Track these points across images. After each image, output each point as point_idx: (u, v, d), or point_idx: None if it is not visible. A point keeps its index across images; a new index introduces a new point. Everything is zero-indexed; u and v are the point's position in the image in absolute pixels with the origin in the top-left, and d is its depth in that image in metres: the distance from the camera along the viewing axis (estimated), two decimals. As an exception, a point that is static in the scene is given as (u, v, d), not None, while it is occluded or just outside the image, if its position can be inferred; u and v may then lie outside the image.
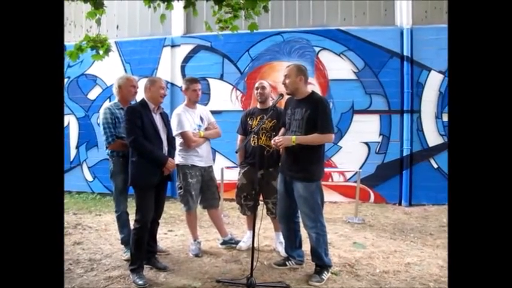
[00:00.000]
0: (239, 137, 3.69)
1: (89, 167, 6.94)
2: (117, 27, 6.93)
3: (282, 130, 3.09)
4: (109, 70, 6.71)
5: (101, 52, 3.40)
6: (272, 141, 2.92)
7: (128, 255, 3.20)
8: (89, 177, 6.95)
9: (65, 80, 7.05)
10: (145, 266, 2.98)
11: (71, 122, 7.06)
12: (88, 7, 3.22)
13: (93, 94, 6.93)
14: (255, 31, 3.49)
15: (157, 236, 3.36)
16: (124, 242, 3.35)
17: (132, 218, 3.04)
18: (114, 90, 3.40)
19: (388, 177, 5.84)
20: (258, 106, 3.61)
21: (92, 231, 4.22)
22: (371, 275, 3.00)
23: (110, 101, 6.91)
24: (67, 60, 6.80)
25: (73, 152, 7.06)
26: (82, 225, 4.52)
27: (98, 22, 3.24)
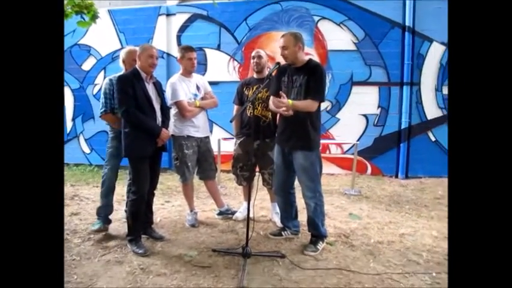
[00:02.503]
0: (235, 107, 3.63)
1: (85, 139, 6.91)
2: (110, -6, 6.70)
3: (271, 98, 3.00)
4: (103, 40, 6.56)
5: (87, 19, 3.27)
6: (271, 103, 2.81)
7: (97, 227, 3.20)
8: (86, 149, 6.93)
9: (59, 50, 6.89)
10: (142, 235, 2.99)
11: (65, 94, 6.96)
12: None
13: (87, 65, 6.79)
14: (252, -1, 3.36)
15: (154, 207, 3.38)
16: (97, 212, 3.30)
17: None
18: (120, 63, 3.30)
19: (385, 150, 5.83)
20: (255, 76, 3.53)
21: (89, 202, 4.23)
22: (365, 245, 3.03)
23: (104, 72, 6.81)
24: None
25: (69, 125, 7.00)
26: (79, 197, 4.53)
27: None
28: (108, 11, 6.49)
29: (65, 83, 6.88)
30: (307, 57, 2.91)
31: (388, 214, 3.89)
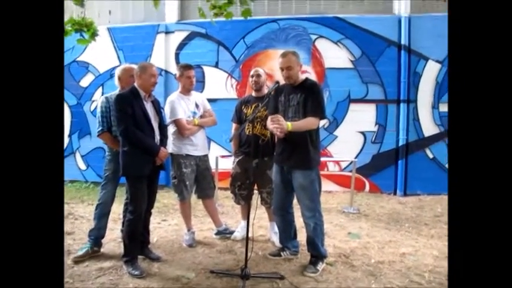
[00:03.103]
0: (233, 125, 3.62)
1: (82, 156, 6.84)
2: (110, 12, 6.76)
3: (269, 118, 2.98)
4: (101, 57, 6.58)
5: (86, 36, 3.28)
6: (270, 125, 2.75)
7: (82, 252, 3.06)
8: (82, 166, 6.86)
9: (57, 67, 6.91)
10: (138, 256, 2.93)
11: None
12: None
13: (85, 81, 6.78)
14: (250, 18, 3.39)
15: (151, 226, 3.31)
16: (89, 233, 3.19)
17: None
18: (116, 81, 3.28)
19: (383, 167, 5.82)
20: (253, 94, 3.53)
21: (84, 221, 4.16)
22: (366, 265, 2.98)
23: (102, 88, 6.81)
24: None
25: (66, 141, 6.94)
26: (74, 215, 4.45)
27: (81, 4, 3.11)
28: (108, 28, 6.54)
29: (62, 100, 6.87)
30: (303, 76, 2.92)
31: (387, 233, 3.85)
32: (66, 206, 5.00)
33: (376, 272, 2.86)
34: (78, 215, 4.46)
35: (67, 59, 6.80)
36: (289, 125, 2.64)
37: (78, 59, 6.78)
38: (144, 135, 2.80)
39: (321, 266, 2.87)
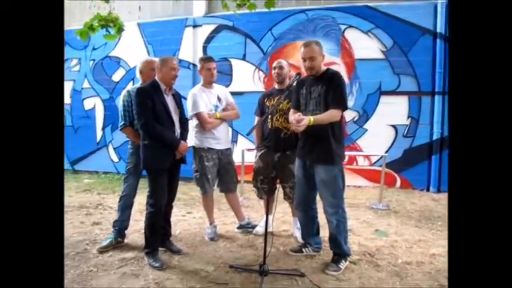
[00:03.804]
0: (256, 118, 3.57)
1: (114, 148, 7.08)
2: (139, 8, 6.88)
3: (292, 111, 2.90)
4: (132, 52, 6.73)
5: (112, 32, 3.32)
6: (292, 125, 2.69)
7: (106, 243, 3.13)
8: (115, 158, 7.09)
9: (90, 63, 7.16)
10: (159, 248, 2.96)
11: (96, 104, 7.19)
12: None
13: (117, 76, 7.00)
14: (277, 9, 3.29)
15: (175, 218, 3.34)
16: (113, 224, 3.26)
17: (142, 201, 2.93)
18: (137, 74, 3.31)
19: (416, 162, 5.57)
20: (276, 86, 3.46)
21: (112, 212, 4.27)
22: (392, 265, 2.85)
23: (133, 82, 6.96)
24: (92, 42, 7.02)
25: (99, 134, 7.22)
26: (103, 206, 4.60)
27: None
28: (138, 24, 6.67)
29: (96, 94, 7.13)
30: (324, 67, 2.81)
31: (417, 231, 3.67)
32: (97, 197, 5.20)
33: (402, 273, 2.72)
34: (107, 206, 4.60)
35: (100, 54, 7.05)
36: (311, 120, 2.55)
37: (110, 55, 6.98)
38: (164, 128, 2.80)
39: (343, 265, 2.77)
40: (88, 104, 7.27)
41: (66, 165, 7.31)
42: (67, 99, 7.31)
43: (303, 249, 3.06)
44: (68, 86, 7.29)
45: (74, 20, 6.27)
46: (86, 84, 7.24)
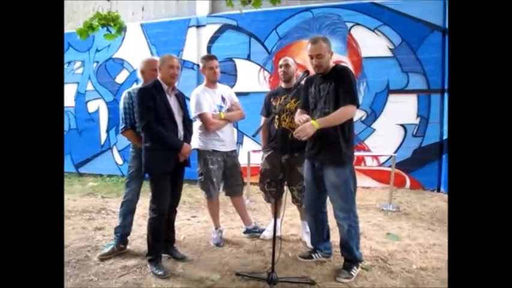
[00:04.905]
0: (262, 119, 3.45)
1: (118, 151, 7.01)
2: (143, 9, 6.81)
3: (298, 111, 2.79)
4: (135, 53, 6.64)
5: (113, 31, 3.23)
6: (294, 133, 2.55)
7: (108, 250, 3.03)
8: (119, 161, 7.02)
9: (94, 65, 7.09)
10: (163, 255, 2.85)
11: (100, 107, 7.13)
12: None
13: (120, 78, 6.92)
14: (282, 7, 3.19)
15: (180, 222, 3.22)
16: (115, 230, 3.15)
17: (146, 205, 2.85)
18: (139, 75, 3.21)
19: (426, 162, 5.42)
20: (283, 85, 3.34)
21: (115, 216, 4.16)
22: (406, 271, 2.71)
23: (137, 84, 6.87)
24: (95, 44, 6.95)
25: (103, 136, 7.15)
26: (106, 210, 4.51)
27: None
28: (141, 24, 6.59)
29: (99, 96, 7.06)
30: (333, 64, 2.69)
31: (431, 234, 3.53)
32: (101, 200, 5.12)
33: (417, 279, 2.58)
34: (110, 210, 4.50)
35: (103, 56, 6.98)
36: (314, 123, 2.44)
37: (113, 56, 6.91)
38: (166, 130, 2.69)
39: (355, 271, 2.64)
40: (92, 107, 7.21)
41: (71, 168, 7.25)
42: (71, 102, 7.25)
43: (313, 255, 2.93)
44: (72, 89, 7.23)
45: (78, 24, 6.19)
46: (89, 87, 7.18)
